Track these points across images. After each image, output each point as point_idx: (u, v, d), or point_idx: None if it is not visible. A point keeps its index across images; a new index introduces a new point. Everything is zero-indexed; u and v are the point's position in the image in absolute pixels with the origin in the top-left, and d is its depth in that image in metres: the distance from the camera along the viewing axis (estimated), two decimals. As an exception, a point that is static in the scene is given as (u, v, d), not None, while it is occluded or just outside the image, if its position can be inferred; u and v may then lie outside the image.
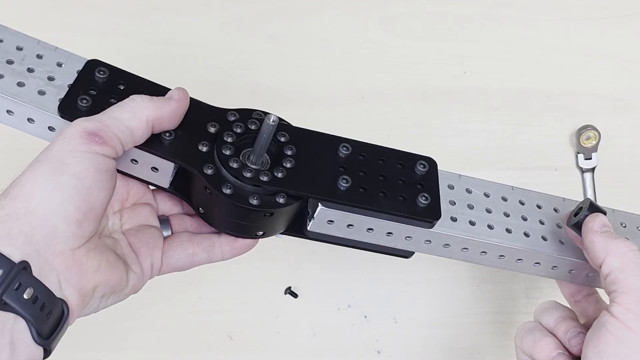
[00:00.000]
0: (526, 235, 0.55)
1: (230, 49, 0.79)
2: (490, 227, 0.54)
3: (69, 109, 0.49)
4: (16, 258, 0.41)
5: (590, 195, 0.76)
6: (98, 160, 0.45)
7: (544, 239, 0.56)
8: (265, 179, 0.49)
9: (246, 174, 0.49)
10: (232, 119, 0.52)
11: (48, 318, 0.42)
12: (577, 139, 0.77)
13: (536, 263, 0.56)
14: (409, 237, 0.53)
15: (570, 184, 0.77)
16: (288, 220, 0.53)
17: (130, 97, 0.48)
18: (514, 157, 0.78)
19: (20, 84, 0.50)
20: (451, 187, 0.55)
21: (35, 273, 0.42)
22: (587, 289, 0.59)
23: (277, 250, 0.72)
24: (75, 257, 0.44)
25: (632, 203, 0.62)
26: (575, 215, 0.54)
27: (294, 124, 0.54)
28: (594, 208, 0.53)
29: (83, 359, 0.68)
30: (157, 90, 0.51)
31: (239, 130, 0.51)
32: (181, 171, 0.52)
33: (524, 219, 0.56)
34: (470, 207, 0.55)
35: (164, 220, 0.54)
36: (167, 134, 0.49)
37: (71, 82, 0.51)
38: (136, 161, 0.50)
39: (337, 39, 0.81)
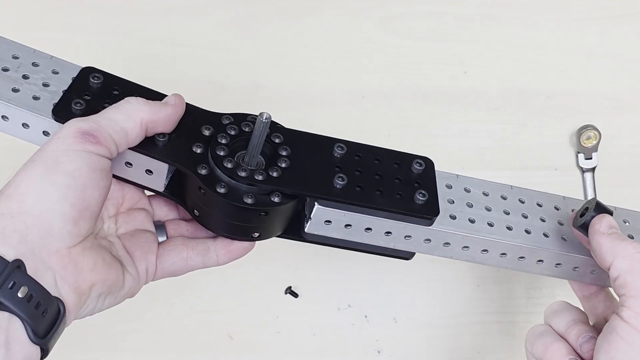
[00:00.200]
0: (527, 232, 0.55)
1: (230, 49, 0.79)
2: (490, 224, 0.54)
3: (63, 112, 0.49)
4: (10, 257, 0.41)
5: (590, 195, 0.76)
6: (92, 159, 0.45)
7: (546, 235, 0.55)
8: (259, 177, 0.49)
9: (240, 173, 0.49)
10: (227, 122, 0.52)
11: (44, 316, 0.42)
12: (577, 138, 0.77)
13: (539, 261, 0.56)
14: (408, 236, 0.53)
15: (571, 184, 0.77)
16: (284, 222, 0.53)
17: (126, 99, 0.49)
18: (514, 157, 0.77)
19: (15, 90, 0.50)
20: (449, 186, 0.55)
21: (30, 272, 0.42)
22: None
23: (277, 251, 0.72)
24: (71, 255, 0.44)
25: (633, 203, 0.61)
26: (582, 216, 0.53)
27: (294, 125, 0.54)
28: (600, 209, 0.52)
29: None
30: (151, 96, 0.51)
31: (233, 132, 0.51)
32: (176, 175, 0.52)
33: (525, 217, 0.56)
34: (470, 205, 0.55)
35: (160, 226, 0.55)
36: (161, 137, 0.50)
37: (66, 88, 0.51)
38: (130, 164, 0.51)
39: (337, 39, 0.81)
